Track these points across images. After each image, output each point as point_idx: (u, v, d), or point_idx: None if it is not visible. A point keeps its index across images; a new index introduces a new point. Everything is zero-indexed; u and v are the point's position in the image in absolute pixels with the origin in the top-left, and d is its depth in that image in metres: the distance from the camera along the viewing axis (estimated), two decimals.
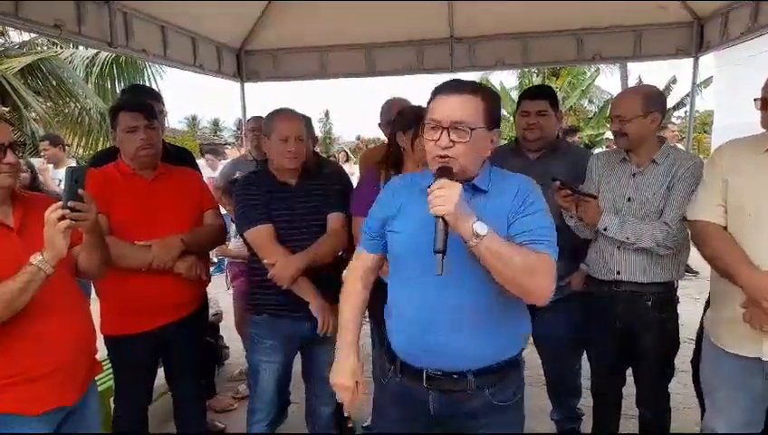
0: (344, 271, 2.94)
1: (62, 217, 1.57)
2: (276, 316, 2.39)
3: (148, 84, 8.56)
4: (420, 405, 1.69)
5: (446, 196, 1.39)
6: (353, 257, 1.91)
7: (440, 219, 1.40)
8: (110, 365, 2.47)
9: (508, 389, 1.67)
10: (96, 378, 1.98)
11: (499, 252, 1.42)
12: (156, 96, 2.94)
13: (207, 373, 3.58)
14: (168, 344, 2.44)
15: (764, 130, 2.38)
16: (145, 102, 2.47)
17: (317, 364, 2.54)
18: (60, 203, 1.59)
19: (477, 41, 4.55)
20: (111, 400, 2.61)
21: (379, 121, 3.17)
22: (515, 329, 1.69)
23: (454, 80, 1.62)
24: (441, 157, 1.52)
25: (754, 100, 2.37)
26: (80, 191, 1.61)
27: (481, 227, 1.39)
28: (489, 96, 1.58)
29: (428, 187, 1.45)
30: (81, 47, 8.13)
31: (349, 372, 1.78)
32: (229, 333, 3.99)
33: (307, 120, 2.73)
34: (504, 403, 1.66)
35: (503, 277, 1.46)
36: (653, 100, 2.36)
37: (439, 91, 1.59)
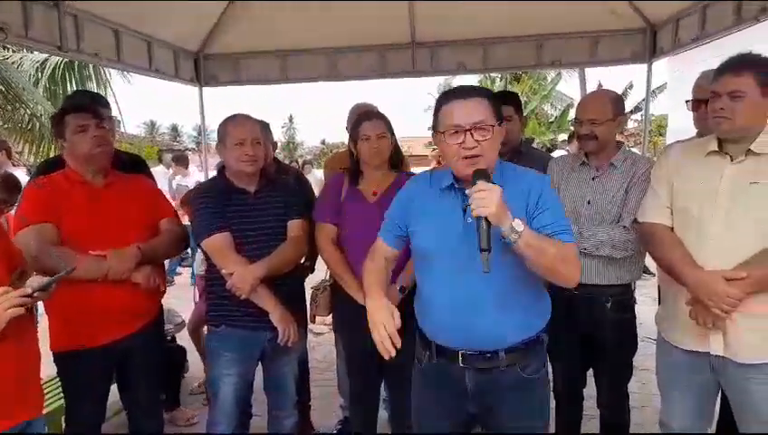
0: (305, 279, 2.93)
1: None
2: (235, 327, 2.32)
3: (103, 90, 8.32)
4: (457, 383, 1.82)
5: (487, 198, 1.51)
6: (372, 248, 1.99)
7: (483, 219, 1.51)
8: (59, 383, 2.36)
9: (535, 363, 1.82)
10: (45, 397, 1.90)
11: (538, 245, 1.57)
12: (101, 101, 2.83)
13: (173, 382, 3.47)
14: (123, 358, 2.35)
15: (696, 130, 2.50)
16: (90, 103, 2.39)
17: (279, 375, 2.49)
18: (22, 290, 1.63)
19: (439, 46, 4.59)
20: (63, 419, 2.50)
21: (346, 125, 3.17)
22: (534, 310, 1.82)
23: (460, 86, 1.78)
24: (469, 157, 1.65)
25: (686, 101, 2.48)
26: (53, 286, 1.72)
27: (518, 225, 1.53)
28: (492, 96, 1.76)
29: (449, 185, 1.73)
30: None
31: (384, 307, 1.77)
32: (188, 343, 3.89)
33: (264, 126, 2.69)
34: (533, 376, 1.81)
35: (539, 266, 1.62)
36: (620, 103, 2.44)
37: (450, 98, 1.72)
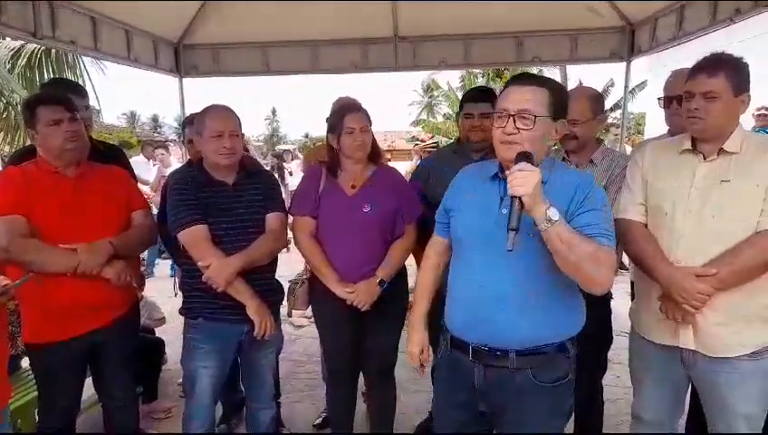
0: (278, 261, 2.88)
1: None
2: (212, 320, 2.30)
3: (81, 79, 8.15)
4: (466, 378, 1.79)
5: (526, 178, 1.49)
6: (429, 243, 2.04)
7: (517, 199, 1.51)
8: (31, 375, 2.33)
9: (552, 371, 1.72)
10: (15, 390, 1.87)
11: (568, 238, 1.52)
12: (79, 90, 2.77)
13: (151, 375, 3.44)
14: (96, 351, 2.32)
15: (668, 127, 2.54)
16: (64, 95, 2.33)
17: (255, 368, 2.48)
18: None
19: (421, 41, 4.61)
20: (36, 411, 2.46)
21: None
22: (560, 318, 1.73)
23: (525, 73, 1.78)
24: (506, 142, 1.65)
25: (658, 99, 2.52)
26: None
27: (554, 213, 1.50)
28: (556, 89, 1.71)
29: (494, 174, 1.68)
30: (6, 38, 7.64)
31: (415, 343, 2.00)
32: (167, 337, 3.85)
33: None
34: (548, 384, 1.72)
35: (567, 263, 1.55)
36: (599, 102, 2.47)
37: (510, 82, 1.73)
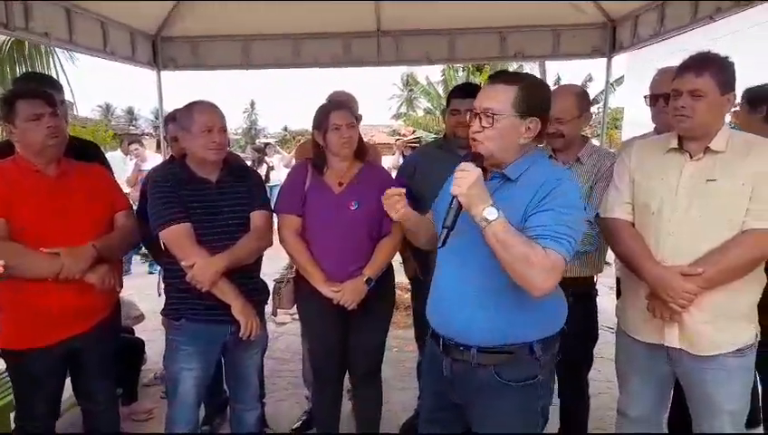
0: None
1: None
2: (196, 321, 2.25)
3: (55, 71, 7.92)
4: (439, 368, 1.86)
5: (463, 178, 1.54)
6: None
7: (455, 199, 1.56)
8: (7, 378, 2.26)
9: (519, 371, 1.72)
10: None
11: (504, 239, 1.53)
12: (54, 84, 2.68)
13: (131, 376, 3.37)
14: (76, 356, 2.26)
15: (654, 125, 2.57)
16: (44, 90, 2.25)
17: (240, 369, 2.44)
18: None
19: (404, 35, 4.57)
20: (12, 416, 2.39)
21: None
22: (523, 318, 1.70)
23: (502, 71, 1.79)
24: (473, 140, 1.69)
25: (644, 97, 2.54)
26: None
27: (490, 213, 1.52)
28: (530, 86, 1.68)
29: None
30: None
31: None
32: (145, 335, 3.78)
33: None
34: (513, 383, 1.72)
35: (504, 263, 1.56)
36: (585, 99, 2.46)
37: (487, 81, 1.75)
